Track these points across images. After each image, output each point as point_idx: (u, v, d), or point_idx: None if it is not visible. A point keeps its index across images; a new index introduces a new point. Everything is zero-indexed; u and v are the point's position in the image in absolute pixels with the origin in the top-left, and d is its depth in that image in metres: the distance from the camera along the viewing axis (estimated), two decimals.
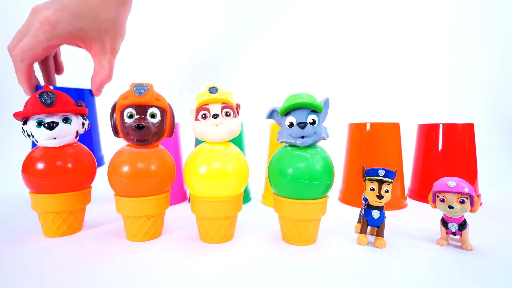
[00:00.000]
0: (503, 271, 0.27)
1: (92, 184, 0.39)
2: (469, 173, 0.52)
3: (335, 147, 0.55)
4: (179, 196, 0.54)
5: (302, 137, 0.31)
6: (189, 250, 0.32)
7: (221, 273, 0.27)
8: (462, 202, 0.31)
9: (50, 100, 0.33)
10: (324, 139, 0.32)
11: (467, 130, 0.52)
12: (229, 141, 0.35)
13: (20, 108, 0.34)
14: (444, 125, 0.53)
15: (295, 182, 0.31)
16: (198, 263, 0.29)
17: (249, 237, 0.36)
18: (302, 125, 0.30)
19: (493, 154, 0.90)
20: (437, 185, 0.33)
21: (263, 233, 0.37)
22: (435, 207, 0.33)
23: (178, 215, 0.45)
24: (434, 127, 0.54)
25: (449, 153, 0.52)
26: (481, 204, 0.51)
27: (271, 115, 0.33)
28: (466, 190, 0.31)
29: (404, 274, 0.27)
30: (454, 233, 0.33)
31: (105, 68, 0.44)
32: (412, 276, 0.27)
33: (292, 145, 0.32)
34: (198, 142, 0.53)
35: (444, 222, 0.33)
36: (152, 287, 0.24)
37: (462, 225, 0.32)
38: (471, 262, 0.29)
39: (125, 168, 0.32)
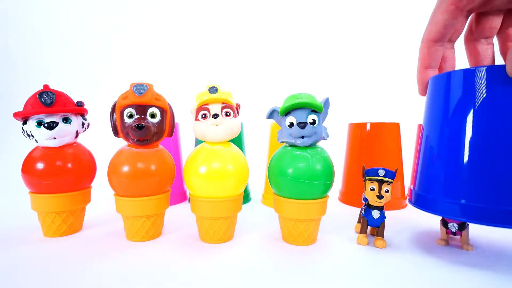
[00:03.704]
0: (503, 271, 0.27)
1: (92, 184, 0.39)
2: None
3: (335, 147, 0.55)
4: (179, 196, 0.54)
5: (302, 137, 0.31)
6: (189, 250, 0.32)
7: (221, 273, 0.27)
8: None
9: (50, 100, 0.33)
10: (324, 139, 0.32)
11: None
12: (229, 141, 0.35)
13: (20, 108, 0.34)
14: None
15: (295, 182, 0.31)
16: (198, 263, 0.29)
17: (249, 237, 0.36)
18: (302, 125, 0.30)
19: None
20: None
21: (263, 233, 0.37)
22: None
23: (178, 215, 0.45)
24: None
25: None
26: None
27: (271, 115, 0.33)
28: None
29: (404, 274, 0.27)
30: (454, 233, 0.33)
31: None
32: (412, 276, 0.26)
33: (292, 145, 0.32)
34: (198, 142, 0.53)
35: (445, 222, 0.33)
36: (152, 287, 0.24)
37: (462, 225, 0.32)
38: (471, 262, 0.29)
39: (125, 168, 0.32)
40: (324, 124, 0.33)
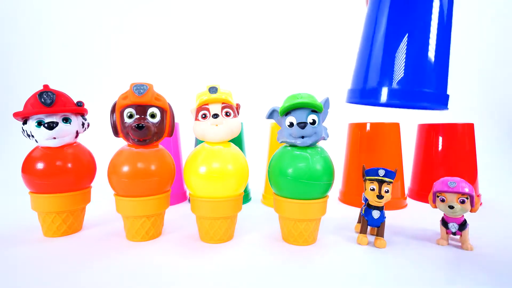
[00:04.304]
0: (503, 271, 0.27)
1: (92, 184, 0.39)
2: (469, 173, 0.52)
3: (335, 147, 0.55)
4: (179, 196, 0.54)
5: (302, 137, 0.31)
6: (189, 250, 0.32)
7: (221, 273, 0.27)
8: (463, 202, 0.31)
9: (50, 100, 0.33)
10: (324, 139, 0.32)
11: (467, 130, 0.52)
12: (229, 141, 0.35)
13: (20, 108, 0.34)
14: (444, 125, 0.53)
15: (295, 182, 0.31)
16: (198, 263, 0.29)
17: (249, 237, 0.36)
18: (302, 125, 0.30)
19: (493, 154, 0.90)
20: (437, 185, 0.33)
21: (263, 233, 0.37)
22: (435, 207, 0.33)
23: (178, 215, 0.45)
24: (434, 127, 0.54)
25: (449, 153, 0.52)
26: (481, 204, 0.51)
27: (271, 115, 0.33)
28: (467, 190, 0.31)
29: (404, 274, 0.27)
30: (454, 233, 0.33)
31: None
32: (412, 276, 0.26)
33: (292, 145, 0.32)
34: (198, 142, 0.53)
35: (444, 222, 0.33)
36: (152, 287, 0.24)
37: (462, 225, 0.32)
38: (471, 262, 0.29)
39: (125, 168, 0.32)
40: (324, 124, 0.33)
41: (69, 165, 0.34)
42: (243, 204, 0.52)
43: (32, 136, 0.34)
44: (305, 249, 0.32)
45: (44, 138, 0.33)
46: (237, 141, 0.53)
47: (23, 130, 0.34)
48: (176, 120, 0.52)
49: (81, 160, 0.36)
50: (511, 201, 0.54)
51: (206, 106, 0.33)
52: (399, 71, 0.32)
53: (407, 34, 0.32)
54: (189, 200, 0.51)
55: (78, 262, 0.29)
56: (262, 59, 1.02)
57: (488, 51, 1.00)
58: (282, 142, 0.33)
